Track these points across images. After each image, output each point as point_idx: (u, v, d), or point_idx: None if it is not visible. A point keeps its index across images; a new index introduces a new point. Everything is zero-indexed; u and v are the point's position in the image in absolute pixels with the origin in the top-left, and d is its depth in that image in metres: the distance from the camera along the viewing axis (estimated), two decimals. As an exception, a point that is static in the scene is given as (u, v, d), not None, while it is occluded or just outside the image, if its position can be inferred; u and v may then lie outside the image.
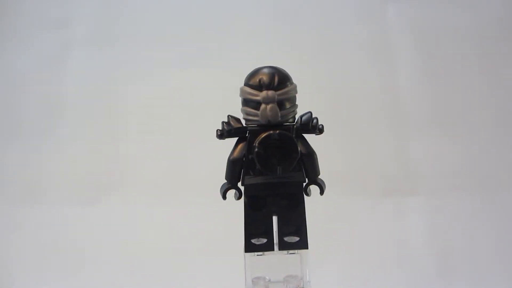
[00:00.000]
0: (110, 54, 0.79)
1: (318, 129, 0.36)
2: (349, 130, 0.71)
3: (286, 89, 0.36)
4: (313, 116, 0.37)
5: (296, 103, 0.37)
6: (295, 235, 0.37)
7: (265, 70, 0.36)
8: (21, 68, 0.79)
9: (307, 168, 0.37)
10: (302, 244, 0.37)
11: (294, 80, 0.38)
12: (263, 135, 0.35)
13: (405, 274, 0.64)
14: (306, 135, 0.37)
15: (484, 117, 0.70)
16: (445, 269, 0.64)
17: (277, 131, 0.35)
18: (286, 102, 0.36)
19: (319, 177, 0.38)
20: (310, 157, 0.36)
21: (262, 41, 0.74)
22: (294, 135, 0.36)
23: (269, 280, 0.38)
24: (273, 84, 0.35)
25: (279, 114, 0.35)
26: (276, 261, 0.37)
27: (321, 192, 0.38)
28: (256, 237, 0.37)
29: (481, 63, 0.71)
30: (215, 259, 0.63)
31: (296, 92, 0.37)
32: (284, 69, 0.37)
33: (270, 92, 0.35)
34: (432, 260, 0.65)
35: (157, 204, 0.72)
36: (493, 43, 0.71)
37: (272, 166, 0.35)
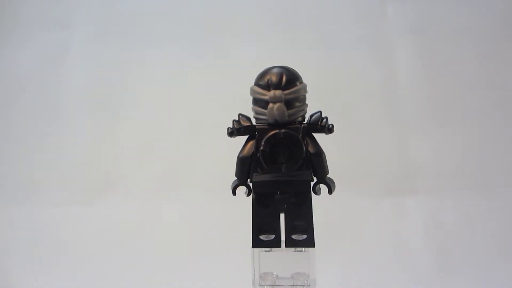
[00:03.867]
0: (109, 54, 0.79)
1: (327, 129, 0.37)
2: (349, 129, 0.71)
3: (294, 89, 0.36)
4: (323, 115, 0.37)
5: (307, 102, 0.38)
6: (302, 233, 0.37)
7: (274, 70, 0.36)
8: (20, 67, 0.79)
9: (315, 167, 0.37)
10: (309, 242, 0.37)
11: None
12: (270, 133, 0.36)
13: (405, 272, 0.64)
14: (316, 134, 0.38)
15: (484, 116, 0.70)
16: (445, 267, 0.64)
17: (283, 130, 0.36)
18: (295, 101, 0.36)
19: (328, 176, 0.38)
20: (318, 156, 0.37)
21: (263, 40, 0.75)
22: (301, 134, 0.36)
23: (277, 276, 0.38)
24: (280, 83, 0.36)
25: (286, 113, 0.36)
26: (284, 257, 0.37)
27: (329, 192, 0.38)
28: (264, 234, 0.37)
29: (481, 60, 0.71)
30: (221, 255, 0.63)
31: (305, 91, 0.37)
32: (293, 69, 0.37)
33: (278, 92, 0.35)
34: (432, 258, 0.65)
35: (156, 204, 0.72)
36: (493, 40, 0.71)
37: (278, 165, 0.36)
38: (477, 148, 0.70)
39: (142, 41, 0.78)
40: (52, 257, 0.70)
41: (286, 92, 0.35)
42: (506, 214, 0.67)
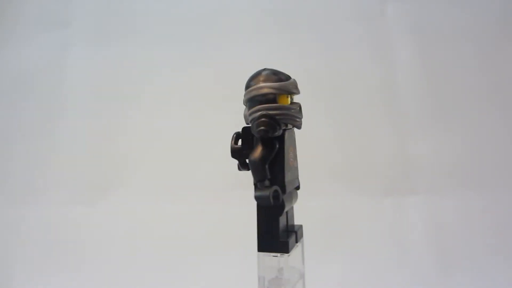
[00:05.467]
0: (110, 53, 0.79)
1: (255, 131, 0.35)
2: (349, 129, 0.71)
3: (247, 90, 0.36)
4: (262, 118, 0.34)
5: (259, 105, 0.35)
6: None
7: None
8: (21, 68, 0.79)
9: None
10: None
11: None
12: None
13: (405, 272, 0.64)
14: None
15: (484, 116, 0.70)
16: (445, 267, 0.64)
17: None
18: (252, 102, 0.36)
19: (278, 186, 0.35)
20: (249, 162, 0.35)
21: (263, 40, 0.75)
22: (244, 136, 0.36)
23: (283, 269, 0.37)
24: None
25: (246, 116, 0.36)
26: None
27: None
28: None
29: (481, 60, 0.71)
30: (224, 255, 0.63)
31: (268, 90, 0.35)
32: (265, 69, 0.36)
33: None
34: (432, 258, 0.65)
35: (157, 204, 0.72)
36: (493, 40, 0.71)
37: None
38: (477, 147, 0.69)
39: (143, 41, 0.78)
40: (55, 257, 0.70)
41: (244, 94, 0.36)
42: (506, 214, 0.67)
